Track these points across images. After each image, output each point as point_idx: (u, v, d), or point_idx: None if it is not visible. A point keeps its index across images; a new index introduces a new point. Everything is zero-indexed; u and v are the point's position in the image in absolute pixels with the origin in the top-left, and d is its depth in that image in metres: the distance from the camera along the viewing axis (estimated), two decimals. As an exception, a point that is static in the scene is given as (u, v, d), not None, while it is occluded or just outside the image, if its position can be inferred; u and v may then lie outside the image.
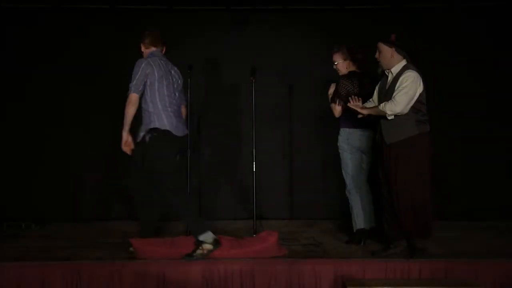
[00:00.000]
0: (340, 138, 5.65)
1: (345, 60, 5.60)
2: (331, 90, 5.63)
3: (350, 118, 5.44)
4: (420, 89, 4.91)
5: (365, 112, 5.12)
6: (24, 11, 6.99)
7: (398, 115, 4.88)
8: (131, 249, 4.90)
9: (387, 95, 4.98)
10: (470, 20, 7.01)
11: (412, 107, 4.88)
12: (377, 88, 5.25)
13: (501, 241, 5.63)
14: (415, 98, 4.90)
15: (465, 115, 6.99)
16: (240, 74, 6.90)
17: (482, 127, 6.99)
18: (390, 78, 5.06)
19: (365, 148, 5.58)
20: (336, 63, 5.60)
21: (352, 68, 5.61)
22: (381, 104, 4.98)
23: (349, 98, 5.22)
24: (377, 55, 5.11)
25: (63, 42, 6.98)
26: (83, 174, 7.01)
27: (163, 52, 5.31)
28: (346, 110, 5.43)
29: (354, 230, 5.55)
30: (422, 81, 4.94)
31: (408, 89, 4.85)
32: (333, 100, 5.55)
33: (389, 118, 4.93)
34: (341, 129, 5.65)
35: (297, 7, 7.10)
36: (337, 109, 5.53)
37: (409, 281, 4.47)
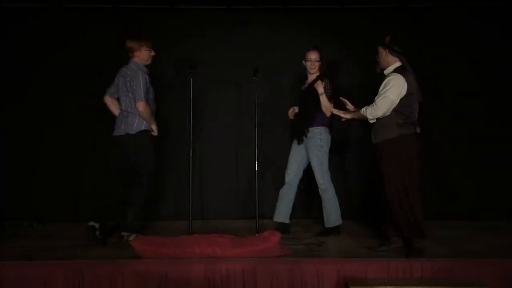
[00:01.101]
0: (320, 137, 5.88)
1: (320, 60, 5.98)
2: (321, 89, 5.83)
3: (325, 116, 5.87)
4: (403, 92, 4.97)
5: (348, 116, 5.30)
6: (24, 11, 6.98)
7: (382, 117, 5.01)
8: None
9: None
10: (472, 20, 7.00)
11: (395, 110, 4.97)
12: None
13: (503, 241, 5.63)
14: (397, 101, 4.97)
15: (467, 115, 6.99)
16: (242, 74, 6.92)
17: (484, 127, 6.99)
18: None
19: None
20: (316, 60, 5.94)
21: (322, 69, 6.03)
22: (363, 109, 5.11)
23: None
24: (377, 57, 5.28)
25: (64, 42, 6.98)
26: (85, 174, 6.99)
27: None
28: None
29: (331, 226, 5.92)
30: (412, 84, 5.01)
31: (389, 93, 4.95)
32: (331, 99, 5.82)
33: (371, 121, 5.09)
34: (322, 128, 5.92)
35: (298, 7, 7.09)
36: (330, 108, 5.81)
37: (411, 281, 4.48)
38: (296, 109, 6.14)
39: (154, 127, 5.65)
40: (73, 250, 5.15)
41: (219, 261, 4.61)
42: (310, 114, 5.89)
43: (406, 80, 4.99)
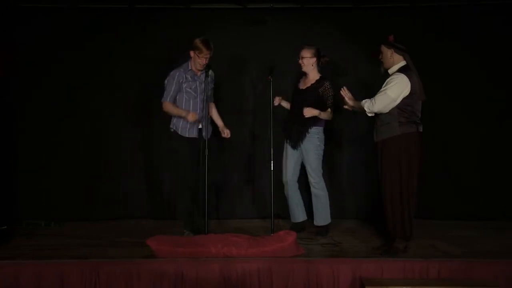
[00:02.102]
0: (317, 137, 5.92)
1: (311, 57, 5.93)
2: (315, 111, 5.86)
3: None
4: (405, 92, 5.00)
5: (351, 103, 5.35)
6: (42, 11, 7.00)
7: (384, 115, 5.06)
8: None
9: None
10: (485, 18, 6.92)
11: (398, 109, 5.00)
12: None
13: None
14: (399, 100, 5.00)
15: (481, 115, 6.93)
16: (257, 73, 6.92)
17: (498, 126, 6.92)
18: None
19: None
20: (302, 58, 5.95)
21: (315, 67, 6.00)
22: (363, 101, 5.17)
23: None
24: (380, 56, 5.32)
25: (81, 42, 6.99)
26: (102, 173, 7.02)
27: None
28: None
29: (321, 225, 5.96)
30: (416, 84, 5.05)
31: (390, 91, 4.99)
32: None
33: (368, 115, 5.19)
34: (320, 128, 5.97)
35: (314, 6, 7.07)
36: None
37: (428, 281, 4.47)
38: (284, 103, 6.15)
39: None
40: (89, 250, 5.19)
41: (235, 261, 4.62)
42: (310, 117, 5.86)
43: (410, 80, 5.01)
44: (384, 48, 5.26)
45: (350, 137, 7.06)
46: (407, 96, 5.01)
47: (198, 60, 5.70)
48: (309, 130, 5.89)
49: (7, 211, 6.55)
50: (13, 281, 4.48)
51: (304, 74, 6.07)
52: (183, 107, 5.79)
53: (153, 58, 7.01)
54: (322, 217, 5.98)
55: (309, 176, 5.97)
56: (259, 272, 4.54)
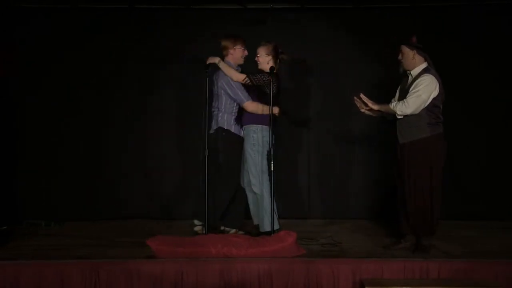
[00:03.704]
0: (255, 136, 5.65)
1: (267, 55, 5.74)
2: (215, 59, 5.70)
3: (262, 116, 5.63)
4: (435, 92, 5.02)
5: (375, 107, 5.23)
6: (42, 11, 7.01)
7: (412, 116, 5.03)
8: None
9: (406, 95, 5.08)
10: (490, 18, 6.92)
11: (426, 110, 5.00)
12: (398, 88, 5.35)
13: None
14: (429, 101, 5.01)
15: (485, 115, 6.93)
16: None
17: (502, 127, 6.93)
18: (410, 79, 5.19)
19: (271, 144, 5.61)
20: (258, 55, 5.76)
21: (271, 64, 5.70)
22: (393, 103, 5.12)
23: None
24: (400, 56, 5.27)
25: (81, 42, 7.00)
26: (102, 173, 7.03)
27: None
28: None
29: (261, 231, 5.59)
30: (440, 85, 5.07)
31: (422, 92, 4.98)
32: None
33: (399, 117, 5.10)
34: (258, 126, 5.67)
35: (314, 6, 7.07)
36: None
37: (428, 281, 4.46)
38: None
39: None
40: (89, 250, 5.19)
41: (235, 261, 4.61)
42: (246, 113, 5.73)
43: (438, 81, 5.05)
44: (406, 49, 5.22)
45: (350, 137, 7.06)
46: (435, 97, 5.04)
47: (231, 56, 5.80)
48: (246, 121, 5.70)
49: (7, 211, 6.55)
50: (13, 281, 4.47)
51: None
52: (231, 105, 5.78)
53: (153, 58, 7.02)
54: (263, 222, 5.60)
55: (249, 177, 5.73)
56: (259, 272, 4.53)
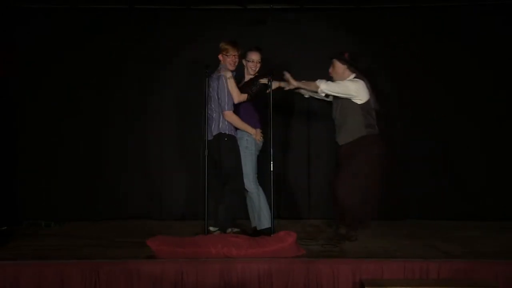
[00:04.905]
0: (249, 139, 5.72)
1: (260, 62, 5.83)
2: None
3: (254, 117, 5.76)
4: (366, 96, 5.49)
5: (295, 83, 5.63)
6: (42, 11, 7.00)
7: (351, 119, 5.50)
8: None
9: (341, 107, 5.59)
10: (487, 18, 6.93)
11: (362, 113, 5.48)
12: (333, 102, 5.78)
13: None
14: (356, 95, 5.45)
15: (484, 115, 6.93)
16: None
17: (501, 127, 6.92)
18: None
19: (261, 146, 5.79)
20: (258, 61, 5.81)
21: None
22: (319, 80, 5.55)
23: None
24: (330, 69, 5.68)
25: (81, 42, 7.00)
26: (102, 173, 7.03)
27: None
28: (254, 109, 5.76)
29: (259, 229, 5.69)
30: (370, 91, 5.53)
31: (349, 83, 5.48)
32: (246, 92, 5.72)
33: (318, 96, 5.72)
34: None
35: (314, 6, 7.07)
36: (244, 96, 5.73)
37: (428, 281, 4.46)
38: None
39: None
40: (89, 250, 5.19)
41: (235, 261, 4.61)
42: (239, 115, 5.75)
43: (368, 88, 5.52)
44: (337, 64, 5.63)
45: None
46: (367, 101, 5.49)
47: (228, 60, 5.71)
48: (238, 131, 5.75)
49: (7, 211, 6.56)
50: (13, 281, 4.47)
51: (245, 75, 5.94)
52: None
53: (153, 58, 7.02)
54: (258, 220, 5.72)
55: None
56: (259, 272, 4.53)
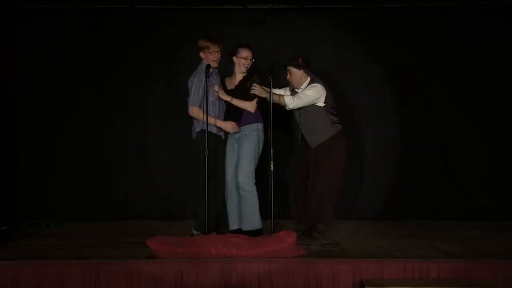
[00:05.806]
0: (258, 134, 5.79)
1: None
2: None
3: (259, 114, 5.85)
4: (323, 97, 5.65)
5: (264, 94, 5.69)
6: (42, 11, 7.01)
7: (315, 120, 5.67)
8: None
9: (305, 110, 5.71)
10: (487, 18, 6.93)
11: (326, 113, 5.68)
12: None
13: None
14: (321, 103, 5.64)
15: (483, 115, 6.93)
16: (257, 74, 6.90)
17: (500, 127, 6.93)
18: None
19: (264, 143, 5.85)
20: (250, 58, 5.83)
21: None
22: (285, 97, 5.74)
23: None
24: (288, 76, 5.79)
25: (81, 42, 7.00)
26: (102, 173, 7.03)
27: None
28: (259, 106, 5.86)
29: (251, 229, 5.64)
30: (328, 90, 5.69)
31: (311, 93, 5.62)
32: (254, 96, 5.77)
33: (288, 108, 5.74)
34: (258, 124, 5.83)
35: (314, 6, 7.06)
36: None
37: (428, 281, 4.45)
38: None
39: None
40: (90, 250, 5.19)
41: (235, 261, 4.61)
42: (245, 112, 5.78)
43: (325, 87, 5.66)
44: (294, 70, 5.73)
45: (350, 137, 7.04)
46: (327, 100, 5.65)
47: (211, 57, 5.74)
48: (247, 121, 5.76)
49: (7, 211, 6.56)
50: (13, 281, 4.47)
51: (236, 73, 5.93)
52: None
53: (153, 58, 7.02)
54: (248, 221, 5.68)
55: (239, 175, 5.71)
56: (259, 272, 4.53)
